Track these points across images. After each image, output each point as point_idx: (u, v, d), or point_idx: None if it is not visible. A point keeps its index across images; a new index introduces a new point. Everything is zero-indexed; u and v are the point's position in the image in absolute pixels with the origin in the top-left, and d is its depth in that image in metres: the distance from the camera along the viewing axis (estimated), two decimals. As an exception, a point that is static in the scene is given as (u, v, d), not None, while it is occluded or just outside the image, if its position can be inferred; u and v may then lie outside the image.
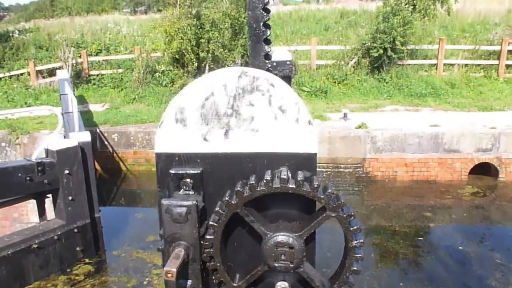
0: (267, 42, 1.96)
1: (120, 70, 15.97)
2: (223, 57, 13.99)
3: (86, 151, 6.40)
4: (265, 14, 1.96)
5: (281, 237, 1.34)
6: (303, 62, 14.98)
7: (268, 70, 1.75)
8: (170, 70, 14.88)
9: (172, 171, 1.39)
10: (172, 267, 1.20)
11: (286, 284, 1.39)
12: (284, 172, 1.28)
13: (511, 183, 9.85)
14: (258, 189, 1.29)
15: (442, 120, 10.59)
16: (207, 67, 14.56)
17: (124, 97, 14.68)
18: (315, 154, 1.29)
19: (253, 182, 1.28)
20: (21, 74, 16.67)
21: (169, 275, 1.18)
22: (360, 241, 1.33)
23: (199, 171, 1.37)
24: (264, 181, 1.26)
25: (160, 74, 14.91)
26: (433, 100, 12.88)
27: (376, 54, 13.82)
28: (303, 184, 1.26)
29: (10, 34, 19.64)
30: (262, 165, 1.34)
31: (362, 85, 13.97)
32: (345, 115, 10.49)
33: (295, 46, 15.22)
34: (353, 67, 14.60)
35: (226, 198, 1.32)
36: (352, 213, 1.29)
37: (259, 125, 1.32)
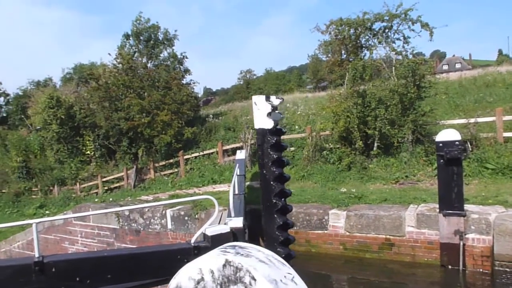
0: (282, 212, 1.82)
1: (292, 148, 16.97)
2: (390, 134, 13.49)
3: (238, 236, 6.85)
4: (277, 185, 1.84)
5: None
6: (486, 135, 13.22)
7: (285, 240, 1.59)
8: (338, 147, 15.06)
9: None
10: None
11: None
12: None
13: None
14: None
15: None
16: (375, 144, 14.25)
17: (294, 174, 15.37)
18: None
19: None
20: (212, 153, 19.36)
21: None
22: None
23: None
24: None
25: (328, 152, 15.23)
26: None
27: None
28: None
29: (206, 118, 23.30)
30: None
31: None
32: (538, 202, 8.64)
33: (476, 117, 13.64)
34: (555, 140, 12.16)
35: None
36: None
37: (245, 317, 1.24)
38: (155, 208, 11.85)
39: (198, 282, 1.31)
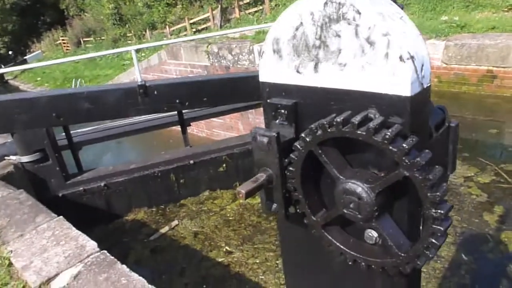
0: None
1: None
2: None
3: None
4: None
5: (350, 184, 1.20)
6: None
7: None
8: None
9: (269, 101, 1.41)
10: (243, 189, 1.30)
11: (374, 233, 1.26)
12: (362, 115, 1.10)
13: None
14: (329, 130, 1.17)
15: None
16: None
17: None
18: (408, 97, 1.03)
19: (325, 122, 1.17)
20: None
21: (240, 195, 1.30)
22: (441, 211, 1.04)
23: (291, 103, 1.34)
24: (335, 123, 1.13)
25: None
26: None
27: None
28: (379, 132, 1.06)
29: None
30: (349, 104, 1.19)
31: None
32: None
33: None
34: None
35: (303, 135, 1.26)
36: (432, 177, 1.00)
37: (346, 59, 1.15)
38: (243, 44, 11.91)
39: (296, 29, 1.25)
